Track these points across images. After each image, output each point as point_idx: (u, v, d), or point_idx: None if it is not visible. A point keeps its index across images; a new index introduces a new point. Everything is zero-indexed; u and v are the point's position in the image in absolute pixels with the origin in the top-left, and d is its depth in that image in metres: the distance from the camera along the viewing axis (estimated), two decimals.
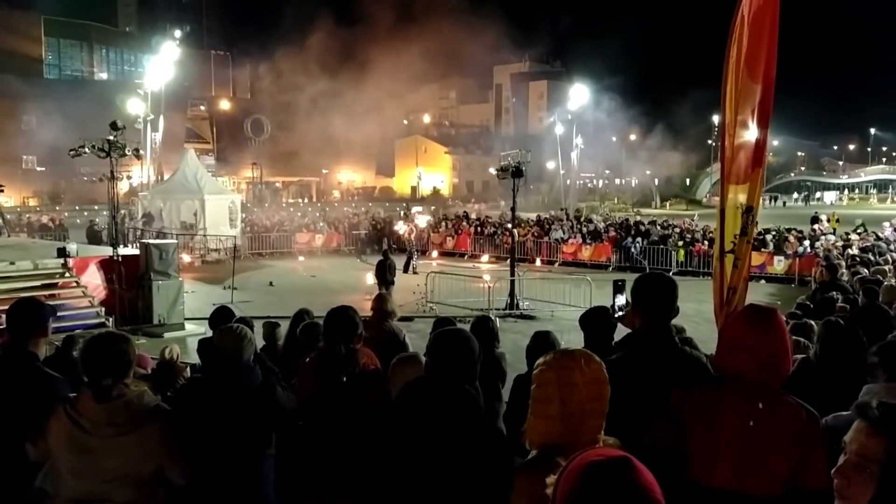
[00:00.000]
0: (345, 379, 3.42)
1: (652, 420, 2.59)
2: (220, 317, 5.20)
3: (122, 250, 15.18)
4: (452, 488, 2.47)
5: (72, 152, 15.32)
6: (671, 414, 2.59)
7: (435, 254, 27.95)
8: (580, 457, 1.57)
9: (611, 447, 2.00)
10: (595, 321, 4.21)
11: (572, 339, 5.22)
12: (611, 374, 2.21)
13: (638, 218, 35.80)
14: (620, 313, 3.61)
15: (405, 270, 21.14)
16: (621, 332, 3.42)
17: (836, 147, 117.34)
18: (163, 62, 38.23)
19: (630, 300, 3.10)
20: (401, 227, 26.02)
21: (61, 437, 2.85)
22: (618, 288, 3.96)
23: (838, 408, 2.78)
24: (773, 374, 2.48)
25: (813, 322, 5.49)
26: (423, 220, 27.61)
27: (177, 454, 2.95)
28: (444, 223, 31.27)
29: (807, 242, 22.84)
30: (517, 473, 2.12)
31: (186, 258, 22.49)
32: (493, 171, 22.96)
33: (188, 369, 6.46)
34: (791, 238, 23.47)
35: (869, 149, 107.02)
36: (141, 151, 17.89)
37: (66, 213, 36.46)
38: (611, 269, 23.90)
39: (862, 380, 3.30)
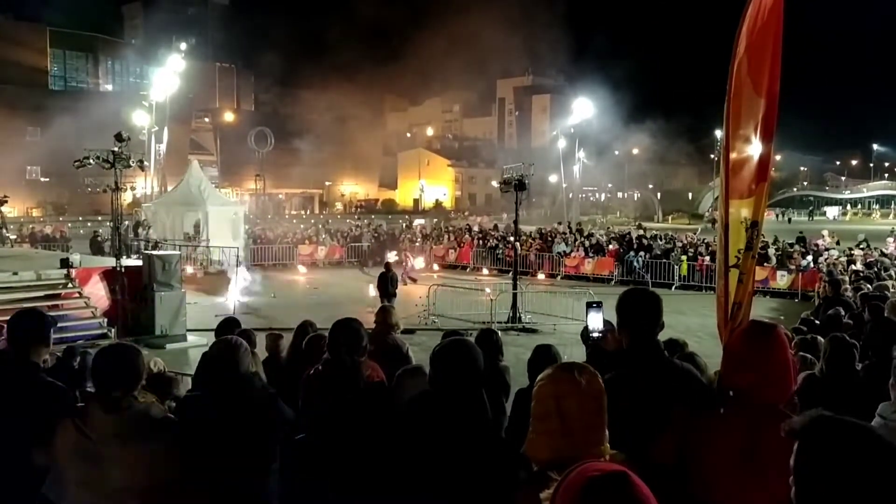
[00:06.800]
0: (349, 390, 3.40)
1: (654, 438, 2.57)
2: (227, 328, 5.19)
3: (126, 261, 15.22)
4: (456, 498, 2.45)
5: (76, 163, 15.38)
6: (674, 432, 2.57)
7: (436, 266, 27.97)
8: (577, 471, 1.55)
9: (613, 460, 1.98)
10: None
11: (574, 353, 5.19)
12: (608, 395, 2.18)
13: (640, 232, 35.75)
14: (597, 335, 3.45)
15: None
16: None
17: (838, 162, 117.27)
18: (168, 74, 38.45)
19: (617, 318, 3.00)
20: (392, 258, 23.60)
21: (68, 446, 2.85)
22: (593, 307, 3.57)
23: None
24: (778, 391, 2.46)
25: (820, 338, 5.47)
26: (419, 262, 26.66)
27: (183, 466, 2.94)
28: (446, 235, 31.28)
29: (809, 257, 22.80)
30: (518, 490, 2.10)
31: (189, 269, 22.49)
32: (495, 184, 22.88)
33: (184, 379, 6.44)
34: (794, 253, 23.44)
35: (871, 164, 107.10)
36: (145, 163, 17.95)
37: (69, 224, 36.53)
38: (613, 282, 23.87)
39: (868, 396, 3.28)
